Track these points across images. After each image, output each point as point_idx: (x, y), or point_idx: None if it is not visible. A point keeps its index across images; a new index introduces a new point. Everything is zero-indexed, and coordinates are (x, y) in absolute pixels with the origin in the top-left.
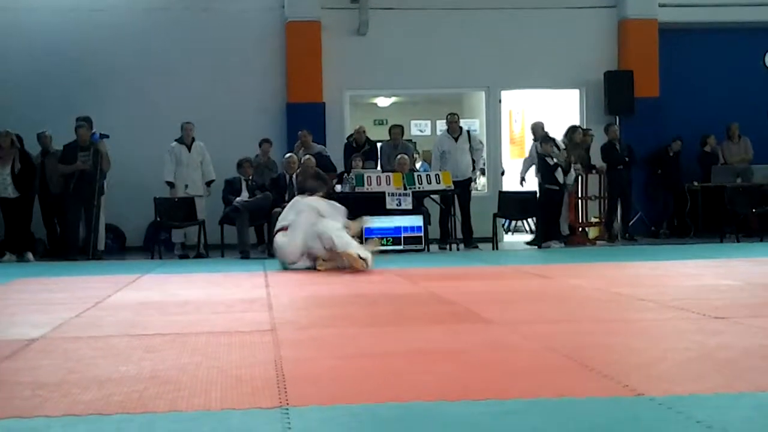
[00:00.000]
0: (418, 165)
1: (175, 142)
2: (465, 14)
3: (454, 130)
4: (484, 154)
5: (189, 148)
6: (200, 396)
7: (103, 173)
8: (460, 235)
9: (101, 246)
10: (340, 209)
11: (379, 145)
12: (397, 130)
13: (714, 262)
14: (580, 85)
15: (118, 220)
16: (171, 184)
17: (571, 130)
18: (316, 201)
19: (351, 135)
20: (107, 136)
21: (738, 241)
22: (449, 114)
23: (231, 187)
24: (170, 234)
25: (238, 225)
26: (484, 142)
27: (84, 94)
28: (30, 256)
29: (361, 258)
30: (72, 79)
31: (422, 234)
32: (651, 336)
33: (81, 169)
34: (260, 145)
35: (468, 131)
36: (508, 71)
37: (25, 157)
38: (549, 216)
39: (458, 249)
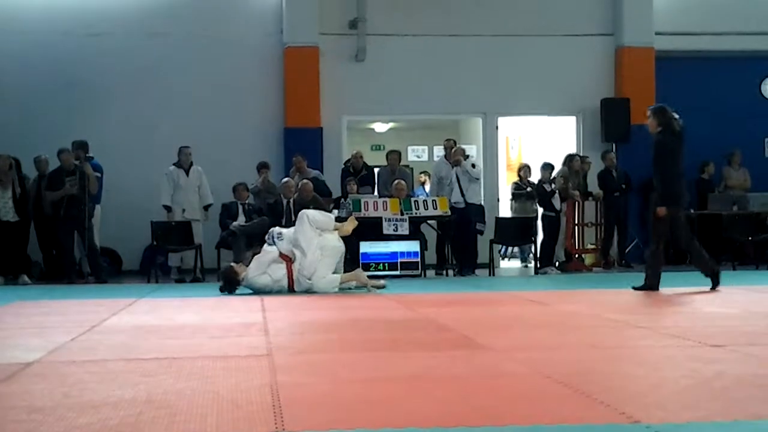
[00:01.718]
0: (428, 188)
1: (172, 166)
2: (462, 41)
3: (451, 155)
4: (482, 180)
5: (187, 172)
6: (196, 421)
7: (91, 196)
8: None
9: (89, 268)
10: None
11: (376, 170)
12: (394, 156)
13: (710, 290)
14: (577, 112)
15: (115, 244)
16: (168, 208)
17: (569, 158)
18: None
19: (348, 160)
20: (92, 158)
21: (734, 269)
22: (446, 140)
23: (228, 212)
24: (167, 258)
25: (235, 249)
26: (480, 166)
27: (81, 117)
28: (26, 278)
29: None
30: (69, 103)
31: (419, 259)
32: (647, 363)
33: (69, 193)
34: (258, 170)
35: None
36: (505, 98)
37: (21, 182)
38: (545, 242)
39: (455, 275)
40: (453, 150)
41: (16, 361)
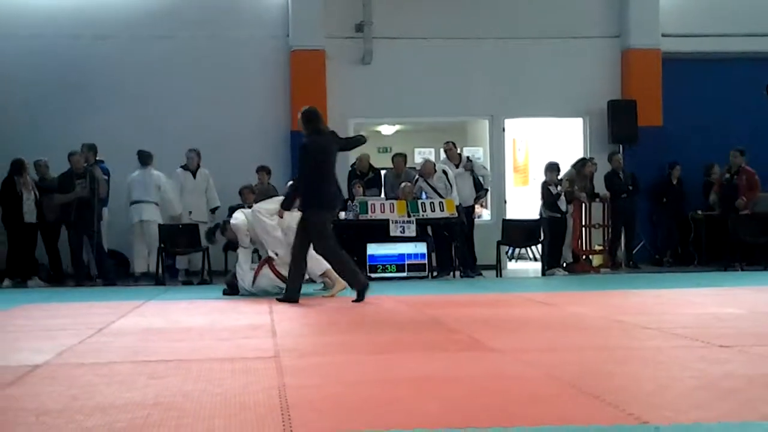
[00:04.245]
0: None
1: (180, 169)
2: (469, 43)
3: (452, 157)
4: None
5: (194, 175)
6: (204, 423)
7: (100, 199)
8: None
9: (97, 270)
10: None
11: (383, 172)
12: (399, 159)
13: (718, 291)
14: (584, 114)
15: (122, 246)
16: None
17: (581, 163)
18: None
19: (354, 162)
20: (102, 161)
21: (742, 270)
22: (445, 143)
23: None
24: (174, 260)
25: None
26: (487, 168)
27: (88, 120)
28: (38, 280)
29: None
30: (76, 106)
31: (426, 261)
32: (655, 364)
33: (79, 196)
34: (257, 173)
35: (468, 158)
36: (512, 100)
37: (36, 184)
38: (552, 243)
39: (462, 276)
40: (425, 162)
41: (24, 363)
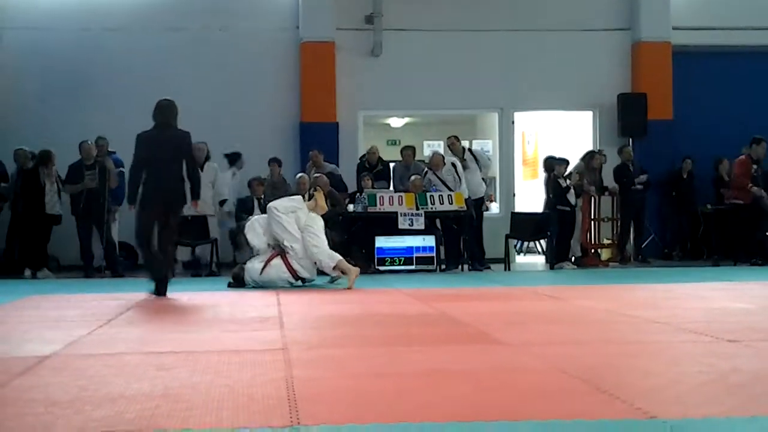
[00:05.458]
0: None
1: None
2: (479, 36)
3: (457, 151)
4: (497, 174)
5: (201, 168)
6: (212, 414)
7: (110, 190)
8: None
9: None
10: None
11: (391, 165)
12: (408, 152)
13: (727, 285)
14: (594, 107)
15: (131, 238)
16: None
17: (590, 156)
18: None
19: (364, 155)
20: (113, 152)
21: (751, 265)
22: (448, 137)
23: (243, 206)
24: (193, 251)
25: (239, 246)
26: (496, 161)
27: (98, 112)
28: (47, 272)
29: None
30: (84, 99)
31: (434, 254)
32: (664, 358)
33: (88, 187)
34: (269, 164)
35: (469, 149)
36: (522, 93)
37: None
38: (561, 237)
39: (470, 270)
40: (434, 154)
41: (33, 354)
